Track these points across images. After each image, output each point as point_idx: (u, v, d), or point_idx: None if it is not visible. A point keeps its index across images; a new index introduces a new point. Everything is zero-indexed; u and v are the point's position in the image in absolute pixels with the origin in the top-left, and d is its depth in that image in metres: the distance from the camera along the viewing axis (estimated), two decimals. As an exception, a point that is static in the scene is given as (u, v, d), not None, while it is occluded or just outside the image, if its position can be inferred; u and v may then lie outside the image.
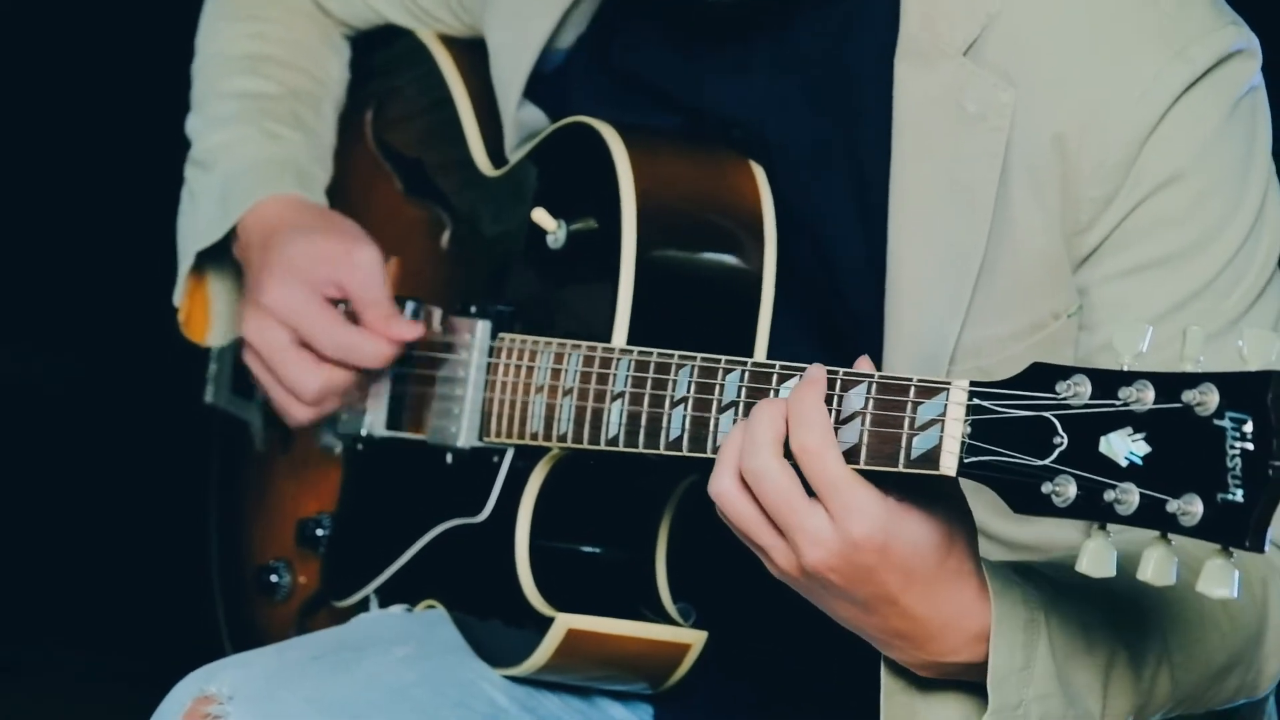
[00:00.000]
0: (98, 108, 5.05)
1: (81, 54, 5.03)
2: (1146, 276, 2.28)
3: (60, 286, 5.14)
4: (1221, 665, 2.26)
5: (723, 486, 2.08)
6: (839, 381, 2.05)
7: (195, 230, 2.85)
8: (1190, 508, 1.76)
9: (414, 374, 2.69)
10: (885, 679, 2.18)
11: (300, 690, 2.43)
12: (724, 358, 2.20)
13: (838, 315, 2.43)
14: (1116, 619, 2.15)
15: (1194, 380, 1.76)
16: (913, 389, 1.98)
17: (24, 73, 5.00)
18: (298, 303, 2.66)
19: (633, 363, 2.29)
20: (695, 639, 2.50)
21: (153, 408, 4.66)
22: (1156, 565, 1.80)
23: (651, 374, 2.27)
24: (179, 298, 2.89)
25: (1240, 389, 1.74)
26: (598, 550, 2.51)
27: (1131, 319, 1.92)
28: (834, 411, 2.04)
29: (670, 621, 2.50)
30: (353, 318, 2.68)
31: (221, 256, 2.86)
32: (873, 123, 2.37)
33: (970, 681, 2.15)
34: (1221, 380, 1.75)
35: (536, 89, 2.68)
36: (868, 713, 2.56)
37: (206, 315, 2.93)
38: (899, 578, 2.05)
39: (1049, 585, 2.13)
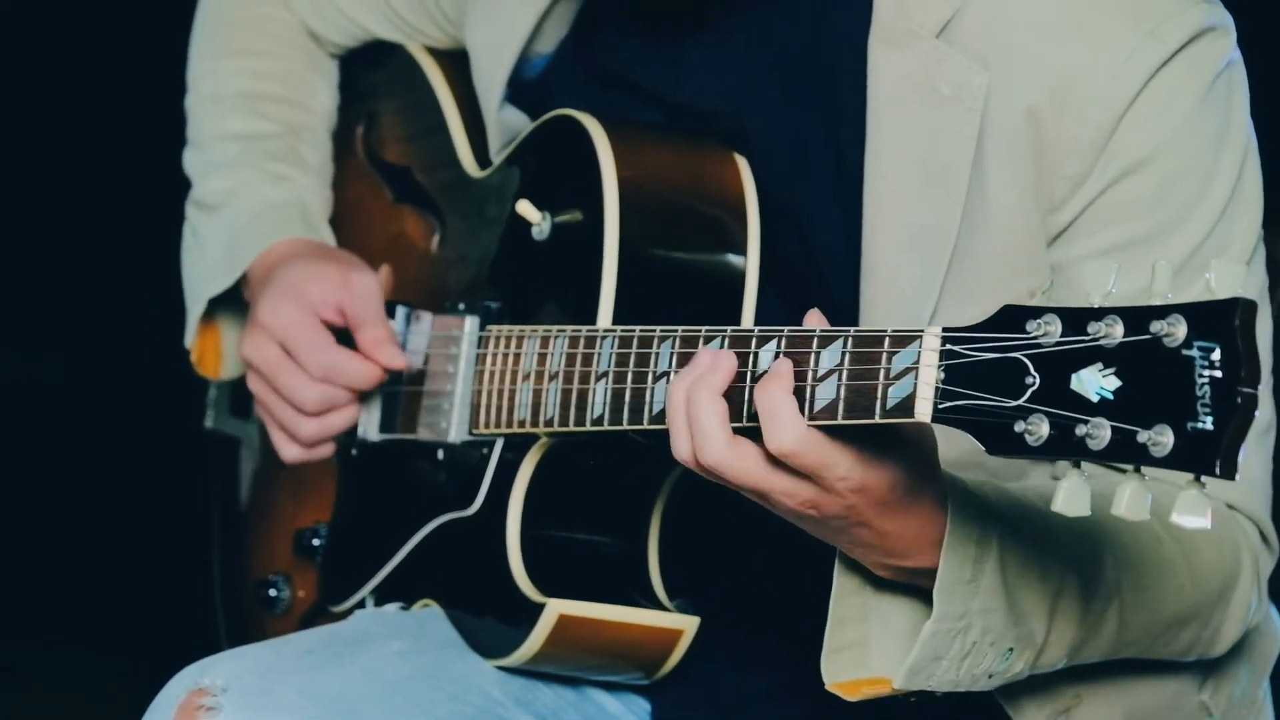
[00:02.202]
0: (103, 115, 5.07)
1: (84, 56, 5.06)
2: (1119, 257, 2.28)
3: (68, 289, 5.16)
4: (1174, 616, 2.30)
5: (721, 455, 2.09)
6: (815, 339, 2.06)
7: (203, 275, 2.88)
8: (1161, 438, 1.76)
9: (406, 376, 2.71)
10: (839, 579, 2.22)
11: (294, 683, 2.44)
12: (704, 328, 2.21)
13: (818, 301, 2.44)
14: (1075, 553, 2.21)
15: (1162, 312, 1.77)
16: (887, 339, 1.99)
17: (26, 74, 5.02)
18: (289, 320, 2.69)
19: (616, 340, 2.31)
20: (687, 625, 2.50)
21: (155, 410, 4.65)
22: (1131, 499, 1.80)
23: (635, 349, 2.28)
24: (190, 340, 2.92)
25: (1208, 318, 1.75)
26: (589, 538, 2.51)
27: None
28: (810, 371, 2.05)
29: (662, 608, 2.50)
30: (348, 340, 2.70)
31: (231, 298, 2.88)
32: (848, 107, 2.39)
33: (922, 589, 2.19)
34: (1189, 310, 1.76)
35: (520, 95, 2.71)
36: (864, 700, 2.56)
37: (218, 353, 2.95)
38: (875, 508, 2.09)
39: (1014, 508, 2.18)
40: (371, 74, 2.99)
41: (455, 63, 2.87)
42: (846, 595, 2.22)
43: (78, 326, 5.24)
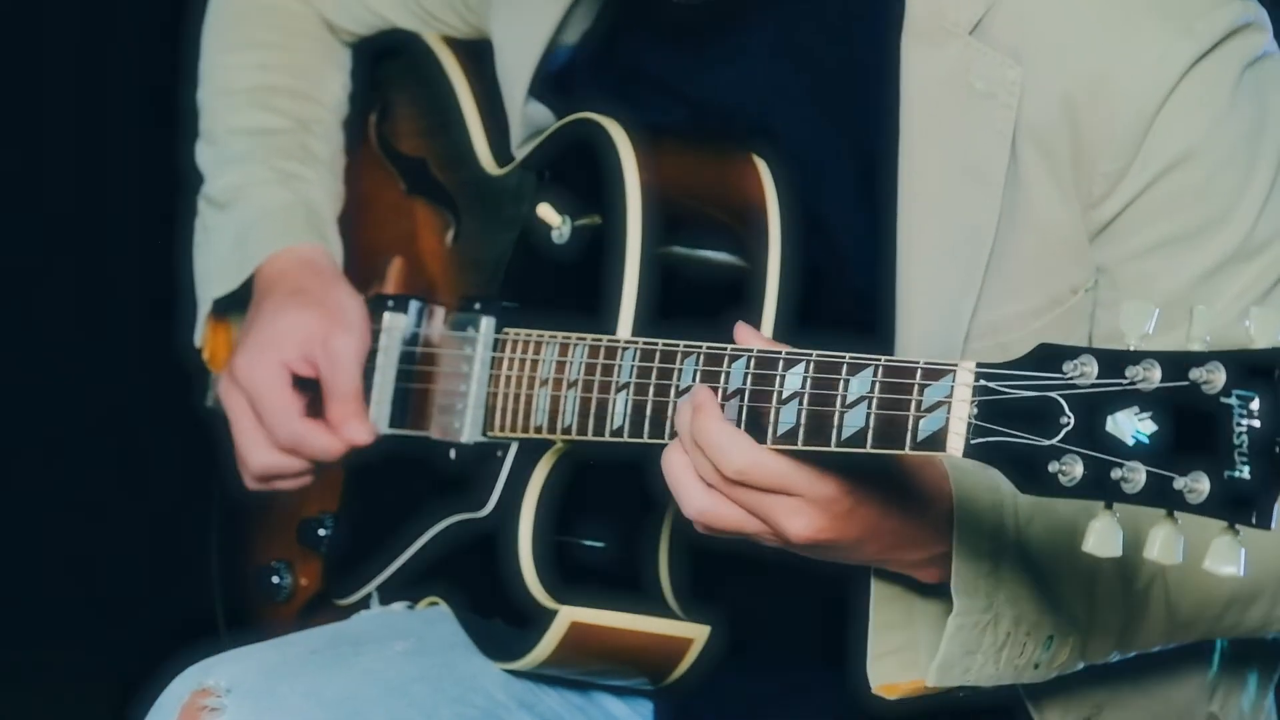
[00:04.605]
0: (101, 108, 5.04)
1: (84, 53, 5.02)
2: (1168, 252, 2.30)
3: (63, 282, 5.12)
4: (1232, 595, 2.29)
5: (701, 504, 2.13)
6: (844, 365, 2.05)
7: (211, 273, 2.87)
8: (1197, 485, 1.75)
9: (418, 371, 2.69)
10: (876, 587, 2.25)
11: (298, 684, 2.43)
12: (729, 345, 2.20)
13: (842, 300, 2.44)
14: None
15: (1201, 359, 1.76)
16: (919, 371, 1.98)
17: (26, 72, 4.99)
18: (262, 381, 2.70)
19: (638, 352, 2.30)
20: (698, 634, 2.50)
21: (155, 407, 4.63)
22: (1163, 543, 1.79)
23: (656, 363, 2.27)
24: (199, 339, 2.91)
25: (1247, 366, 1.74)
26: (600, 544, 2.51)
27: (1144, 300, 1.91)
28: (839, 396, 2.04)
29: (673, 616, 2.49)
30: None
31: (241, 292, 2.86)
32: (879, 106, 2.39)
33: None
34: (1228, 358, 1.75)
35: (542, 87, 2.69)
36: (870, 707, 2.56)
37: (230, 348, 2.93)
38: (879, 507, 2.13)
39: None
40: (386, 62, 2.97)
41: (472, 54, 2.85)
42: (887, 601, 2.24)
43: (76, 318, 5.18)
